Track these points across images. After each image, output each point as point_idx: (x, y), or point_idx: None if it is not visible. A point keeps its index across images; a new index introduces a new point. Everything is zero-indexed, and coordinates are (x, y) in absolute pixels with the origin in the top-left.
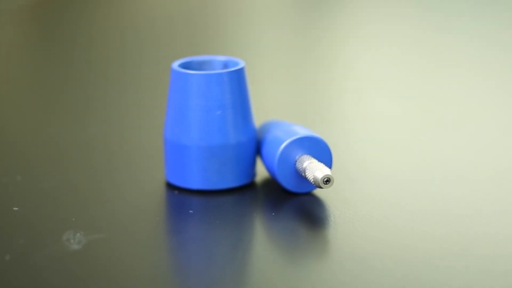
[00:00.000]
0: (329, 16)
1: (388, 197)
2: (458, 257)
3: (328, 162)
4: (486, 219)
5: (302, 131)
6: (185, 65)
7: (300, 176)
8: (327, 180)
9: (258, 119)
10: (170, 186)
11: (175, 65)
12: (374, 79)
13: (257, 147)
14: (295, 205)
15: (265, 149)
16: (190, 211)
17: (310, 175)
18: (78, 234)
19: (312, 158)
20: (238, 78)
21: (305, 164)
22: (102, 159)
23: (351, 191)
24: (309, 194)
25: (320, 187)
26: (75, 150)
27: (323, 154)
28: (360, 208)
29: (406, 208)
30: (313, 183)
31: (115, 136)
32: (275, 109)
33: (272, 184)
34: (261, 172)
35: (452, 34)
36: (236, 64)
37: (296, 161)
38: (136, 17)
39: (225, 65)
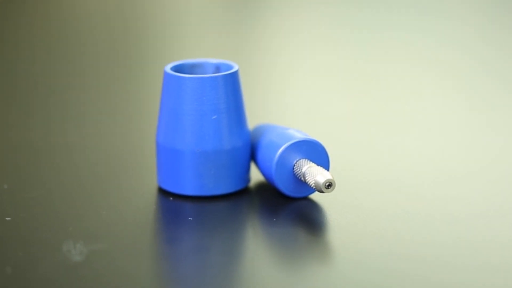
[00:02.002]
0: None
1: (386, 199)
2: (461, 260)
3: (326, 166)
4: (490, 221)
5: (298, 135)
6: (176, 68)
7: (298, 181)
8: (329, 185)
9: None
10: (163, 192)
11: (168, 68)
12: (352, 77)
13: (251, 152)
14: (293, 210)
15: (261, 154)
16: (190, 218)
17: (310, 180)
18: (78, 244)
19: (311, 162)
20: (233, 81)
21: (304, 169)
22: (89, 165)
23: (348, 194)
24: (306, 199)
25: (322, 192)
26: (60, 157)
27: (320, 157)
28: (359, 211)
29: (406, 210)
30: (314, 187)
31: (101, 141)
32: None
33: (266, 188)
34: (254, 177)
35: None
36: (229, 66)
37: (294, 165)
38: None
39: (217, 67)
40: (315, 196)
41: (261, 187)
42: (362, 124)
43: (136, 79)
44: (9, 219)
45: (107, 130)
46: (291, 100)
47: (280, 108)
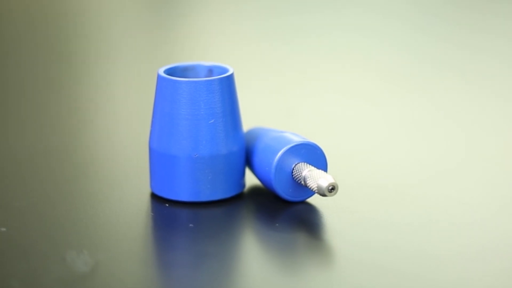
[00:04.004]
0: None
1: (385, 201)
2: (463, 263)
3: (324, 169)
4: (492, 225)
5: (296, 138)
6: (168, 72)
7: (296, 185)
8: (332, 188)
9: None
10: (158, 198)
11: (161, 71)
12: (339, 76)
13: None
14: (291, 214)
15: (258, 158)
16: (191, 225)
17: (312, 184)
18: (82, 254)
19: (310, 166)
20: (229, 85)
21: (304, 173)
22: (80, 172)
23: (345, 196)
24: (303, 202)
25: (324, 195)
26: (48, 163)
27: (319, 161)
28: (358, 214)
29: (405, 212)
30: (316, 191)
31: (86, 146)
32: None
33: (261, 193)
34: (247, 182)
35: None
36: (222, 69)
37: (292, 169)
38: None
39: (210, 70)
40: (313, 200)
41: (256, 191)
42: (354, 125)
43: (125, 82)
44: (4, 229)
45: (97, 136)
46: (277, 102)
47: (266, 110)
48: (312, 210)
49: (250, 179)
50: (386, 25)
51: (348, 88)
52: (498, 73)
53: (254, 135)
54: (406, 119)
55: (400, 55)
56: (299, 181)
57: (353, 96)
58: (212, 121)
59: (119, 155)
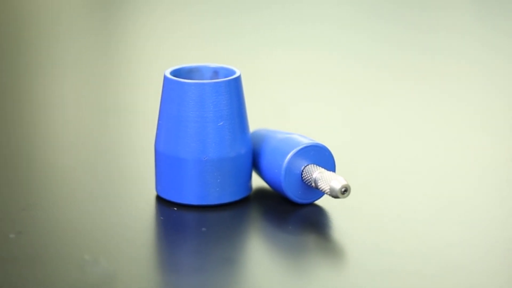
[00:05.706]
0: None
1: (393, 202)
2: (472, 261)
3: (332, 170)
4: (503, 225)
5: (305, 140)
6: (173, 74)
7: (306, 187)
8: (345, 190)
9: None
10: (164, 202)
11: (168, 73)
12: (332, 78)
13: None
14: (301, 216)
15: (266, 161)
16: (203, 229)
17: (324, 186)
18: (96, 260)
19: (320, 168)
20: (236, 86)
21: (314, 175)
22: (78, 175)
23: (354, 197)
24: (311, 204)
25: (337, 197)
26: (48, 167)
27: (327, 162)
28: (368, 215)
29: (415, 213)
30: (329, 193)
31: (87, 149)
32: None
33: (268, 195)
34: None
35: None
36: (227, 70)
37: (302, 171)
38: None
39: (215, 72)
40: (321, 202)
41: (262, 194)
42: (353, 124)
43: (126, 84)
44: (13, 236)
45: (98, 138)
46: (273, 103)
47: (261, 111)
48: (320, 212)
49: (256, 182)
50: (375, 21)
51: (339, 86)
52: (499, 68)
53: (259, 137)
54: (408, 116)
55: (399, 52)
56: (309, 183)
57: (350, 94)
58: (221, 123)
59: (121, 157)
